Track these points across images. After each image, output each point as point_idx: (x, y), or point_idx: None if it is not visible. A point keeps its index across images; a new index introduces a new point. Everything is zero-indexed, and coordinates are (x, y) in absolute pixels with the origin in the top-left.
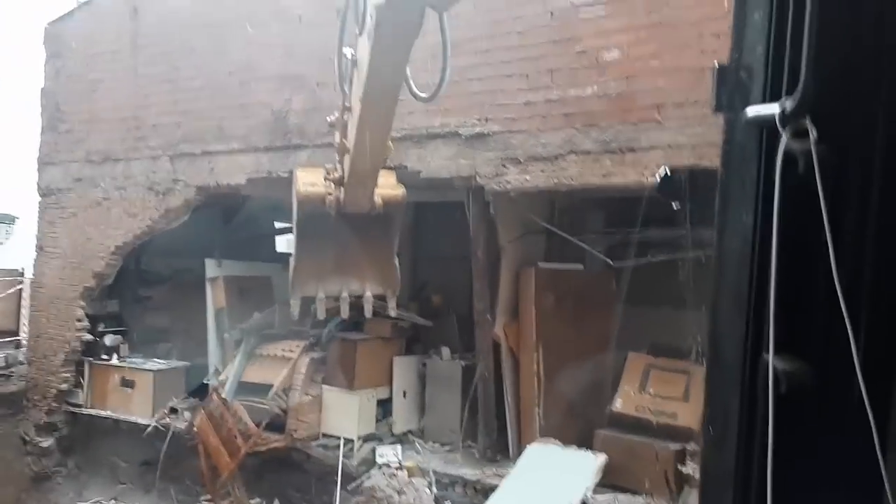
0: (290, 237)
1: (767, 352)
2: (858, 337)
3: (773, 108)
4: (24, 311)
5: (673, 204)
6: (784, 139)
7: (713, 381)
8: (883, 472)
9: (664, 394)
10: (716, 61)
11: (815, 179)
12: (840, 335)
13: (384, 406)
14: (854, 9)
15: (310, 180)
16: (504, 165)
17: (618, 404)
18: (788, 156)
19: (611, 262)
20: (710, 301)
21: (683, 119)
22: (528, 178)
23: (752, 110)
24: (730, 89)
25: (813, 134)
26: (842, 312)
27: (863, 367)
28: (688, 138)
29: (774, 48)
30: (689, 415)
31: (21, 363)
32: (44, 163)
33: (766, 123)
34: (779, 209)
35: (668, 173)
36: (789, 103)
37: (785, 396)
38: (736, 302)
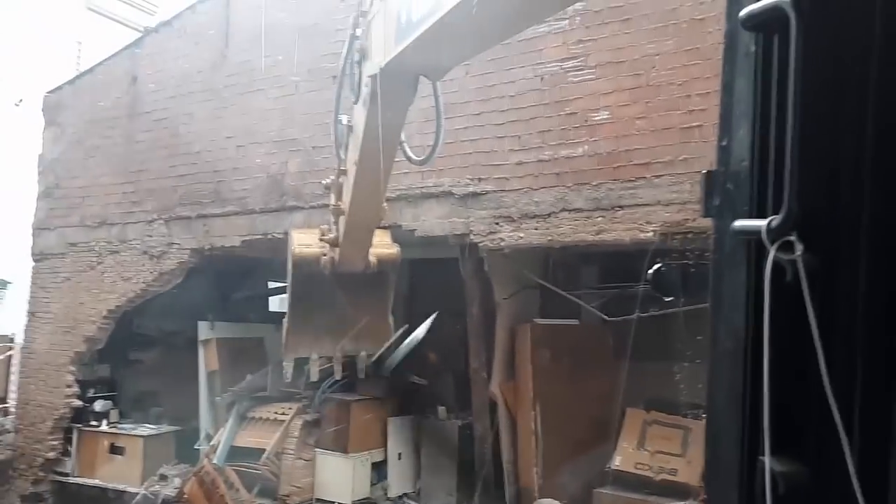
0: (284, 297)
1: (764, 453)
2: (851, 439)
3: (759, 224)
4: (14, 378)
5: (665, 298)
6: (771, 253)
7: (713, 482)
8: None
9: (663, 450)
10: (704, 171)
11: (803, 288)
12: (834, 435)
13: (379, 469)
14: (836, 126)
15: (305, 241)
16: (497, 223)
17: (617, 461)
18: (776, 266)
19: (606, 317)
20: (706, 400)
21: (673, 177)
22: (521, 235)
23: (740, 224)
24: (717, 198)
25: (799, 249)
26: (833, 414)
27: (857, 468)
28: (677, 195)
29: (759, 163)
30: (687, 471)
31: (8, 431)
32: (39, 228)
33: (753, 237)
34: (769, 315)
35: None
36: (775, 220)
37: (783, 497)
38: (731, 404)
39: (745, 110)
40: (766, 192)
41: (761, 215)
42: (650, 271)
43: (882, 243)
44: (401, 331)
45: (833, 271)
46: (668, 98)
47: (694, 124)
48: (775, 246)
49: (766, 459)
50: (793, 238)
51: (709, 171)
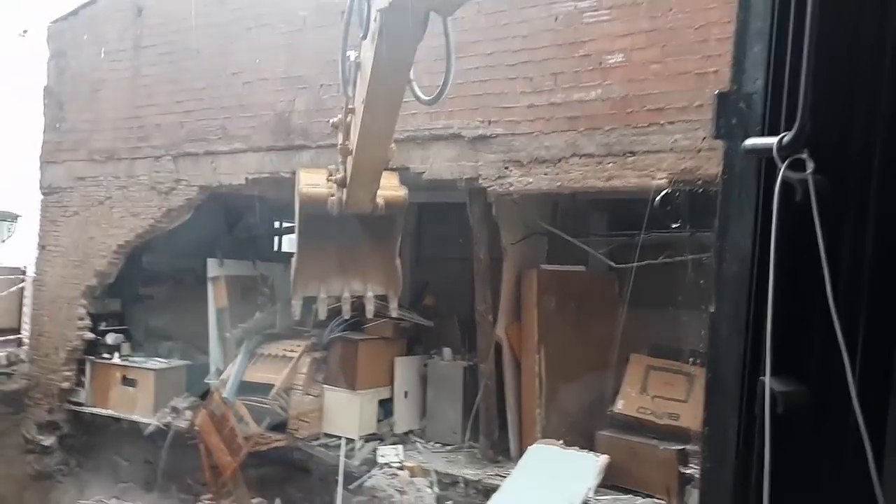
0: (292, 237)
1: (765, 373)
2: (854, 360)
3: (771, 141)
4: (26, 310)
5: (672, 224)
6: (781, 170)
7: (712, 401)
8: (877, 492)
9: (665, 395)
10: (717, 90)
11: (812, 208)
12: (836, 358)
13: (385, 406)
14: (851, 45)
15: (312, 181)
16: (507, 168)
17: (619, 405)
18: (786, 185)
19: (613, 264)
20: (709, 322)
21: (687, 123)
22: (530, 180)
23: (751, 142)
24: (729, 118)
25: (810, 166)
26: (837, 336)
27: (858, 388)
28: (691, 142)
29: (773, 81)
30: (690, 416)
31: (23, 361)
32: (46, 161)
33: (764, 154)
34: (776, 236)
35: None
36: (787, 137)
37: (782, 416)
38: (734, 324)
39: (761, 27)
40: (779, 112)
41: (774, 135)
42: (657, 197)
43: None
44: None
45: (844, 193)
46: (685, 42)
47: (710, 70)
48: (786, 163)
49: (767, 379)
50: (804, 156)
51: (721, 92)
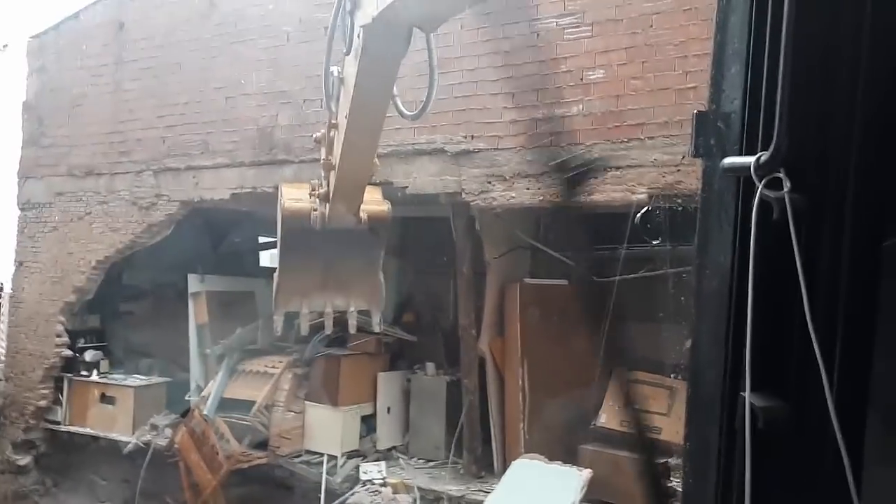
0: (275, 252)
1: (745, 389)
2: (831, 375)
3: (748, 160)
4: (2, 327)
5: (652, 241)
6: (759, 189)
7: (694, 417)
8: None
9: (648, 408)
10: (695, 109)
11: (789, 225)
12: (814, 373)
13: (368, 422)
14: (826, 66)
15: (295, 196)
16: (490, 182)
17: (602, 419)
18: (763, 203)
19: (595, 278)
20: (690, 339)
21: (667, 138)
22: (513, 194)
23: (729, 161)
24: (708, 137)
25: (787, 185)
26: (815, 352)
27: (836, 403)
28: (671, 157)
29: (750, 101)
30: (672, 430)
31: None
32: (24, 177)
33: (742, 173)
34: (754, 252)
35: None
36: (764, 156)
37: (762, 431)
38: (714, 340)
39: (738, 48)
40: (756, 131)
41: (751, 154)
42: (638, 214)
43: (870, 186)
44: None
45: (820, 211)
46: (665, 58)
47: (690, 85)
48: (763, 182)
49: (747, 395)
50: (781, 174)
51: (699, 111)
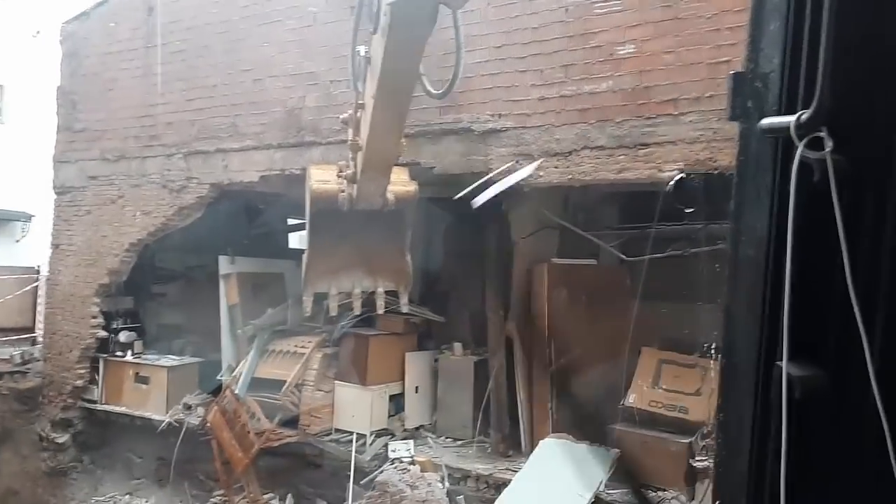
0: (303, 233)
1: (781, 358)
2: (873, 343)
3: (788, 120)
4: (40, 308)
5: (686, 209)
6: (799, 149)
7: (728, 387)
8: None
9: (677, 389)
10: (731, 71)
11: (830, 189)
12: (854, 341)
13: (396, 401)
14: (871, 21)
15: (323, 177)
16: (517, 161)
17: (631, 399)
18: (803, 165)
19: (624, 258)
20: (724, 308)
21: (699, 114)
22: (541, 173)
23: (768, 121)
24: (745, 99)
25: (828, 145)
26: (856, 319)
27: (877, 372)
28: (703, 133)
29: (791, 59)
30: (701, 409)
31: (37, 360)
32: (59, 161)
33: (781, 134)
34: (793, 218)
35: (683, 178)
36: (805, 114)
37: (799, 401)
38: (750, 309)
39: (778, 3)
40: (796, 91)
41: (791, 114)
42: (671, 182)
43: None
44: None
45: (863, 173)
46: (697, 32)
47: (722, 59)
48: (804, 142)
49: (784, 364)
50: (822, 134)
51: (736, 72)
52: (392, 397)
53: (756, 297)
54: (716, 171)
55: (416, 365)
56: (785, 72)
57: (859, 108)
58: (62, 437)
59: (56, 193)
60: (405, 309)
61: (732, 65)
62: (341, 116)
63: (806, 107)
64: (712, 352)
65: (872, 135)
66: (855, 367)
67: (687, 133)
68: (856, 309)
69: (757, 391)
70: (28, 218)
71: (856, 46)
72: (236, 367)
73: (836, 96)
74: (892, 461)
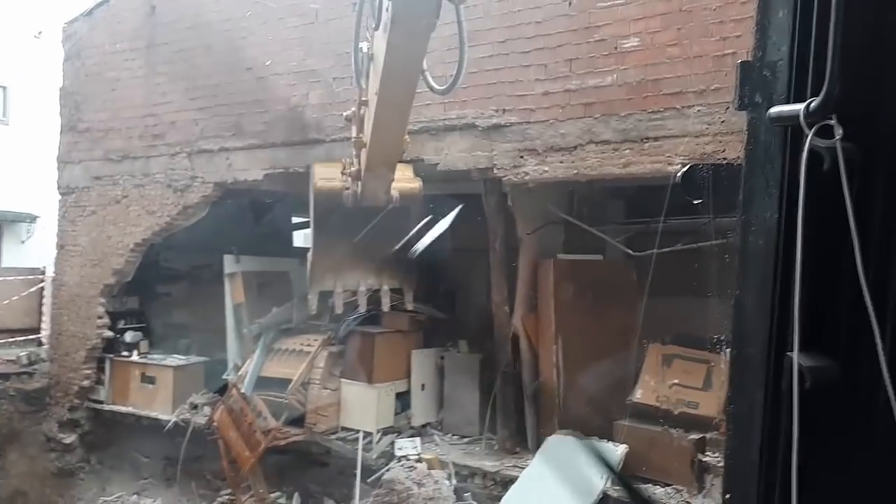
0: (308, 232)
1: (792, 349)
2: (884, 333)
3: (797, 108)
4: (46, 309)
5: (694, 201)
6: (809, 137)
7: (737, 379)
8: None
9: (684, 384)
10: (739, 60)
11: (840, 178)
12: (865, 331)
13: (403, 399)
14: (881, 6)
15: (327, 175)
16: (522, 156)
17: (638, 395)
18: (813, 154)
19: (630, 252)
20: (733, 298)
21: (705, 107)
22: (546, 168)
23: (776, 110)
24: (753, 88)
25: (838, 132)
26: (867, 309)
27: (888, 362)
28: (709, 126)
29: (799, 46)
30: (709, 404)
31: (43, 360)
32: (63, 162)
33: (790, 122)
34: (803, 207)
35: (690, 169)
36: (814, 102)
37: (810, 393)
38: (760, 299)
39: None
40: (805, 79)
41: (800, 102)
42: (679, 173)
43: None
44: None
45: (873, 161)
46: (701, 24)
47: (727, 52)
48: (813, 130)
49: (795, 355)
50: (832, 121)
51: (744, 61)
52: (398, 395)
53: (766, 287)
54: (724, 161)
55: (422, 362)
56: (793, 60)
57: (869, 96)
58: (69, 438)
59: (61, 194)
60: (410, 306)
61: (738, 57)
62: (345, 113)
63: (815, 95)
64: (721, 346)
65: (883, 122)
66: (866, 357)
67: (692, 126)
68: (867, 298)
69: (767, 382)
70: (33, 219)
71: (865, 33)
72: (242, 365)
73: (846, 83)
74: None
